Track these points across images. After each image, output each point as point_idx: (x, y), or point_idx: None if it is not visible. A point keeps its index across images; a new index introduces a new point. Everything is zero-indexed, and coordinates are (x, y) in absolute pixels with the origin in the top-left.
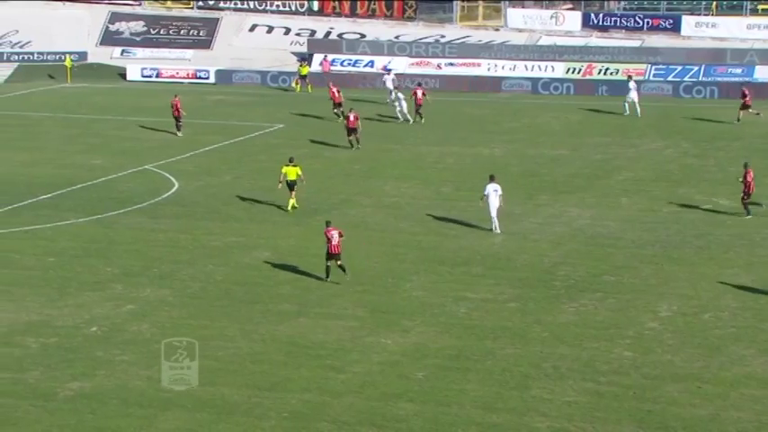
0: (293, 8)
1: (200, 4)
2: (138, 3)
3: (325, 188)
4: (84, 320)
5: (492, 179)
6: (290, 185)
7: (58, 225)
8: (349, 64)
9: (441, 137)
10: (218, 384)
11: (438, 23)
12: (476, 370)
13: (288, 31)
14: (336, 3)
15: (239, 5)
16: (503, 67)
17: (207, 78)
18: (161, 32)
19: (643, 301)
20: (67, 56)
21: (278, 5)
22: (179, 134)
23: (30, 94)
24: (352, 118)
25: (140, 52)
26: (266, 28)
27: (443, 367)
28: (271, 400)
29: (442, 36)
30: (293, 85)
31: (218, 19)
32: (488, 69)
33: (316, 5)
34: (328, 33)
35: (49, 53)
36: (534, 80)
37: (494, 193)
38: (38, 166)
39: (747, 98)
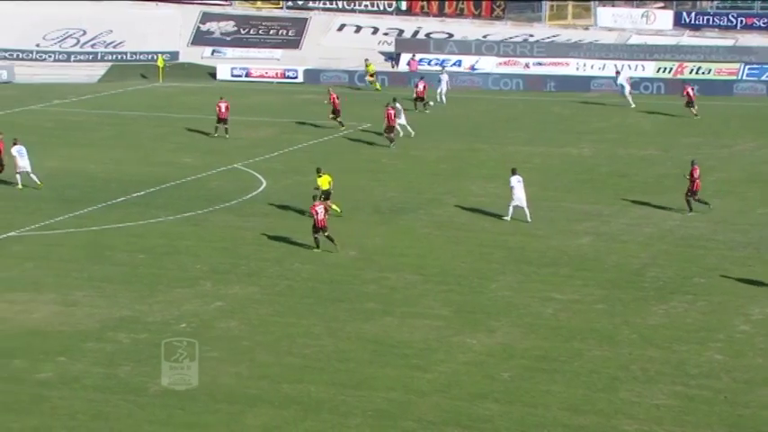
0: (381, 8)
1: (290, 4)
2: (228, 3)
3: (411, 188)
4: (174, 317)
5: (514, 172)
6: (326, 195)
7: (148, 222)
8: (436, 63)
9: (528, 137)
10: (305, 382)
11: (526, 22)
12: (562, 371)
13: (376, 30)
14: (425, 2)
15: (328, 5)
16: (592, 67)
17: (295, 78)
18: (251, 32)
19: (734, 304)
20: (160, 56)
21: (366, 5)
22: (226, 136)
23: (122, 94)
24: (392, 114)
25: (230, 52)
26: (354, 27)
27: (529, 368)
28: (356, 398)
29: (531, 35)
30: (370, 83)
31: (306, 19)
32: (577, 69)
33: (404, 5)
34: (416, 33)
35: (141, 53)
36: None
37: (518, 184)
38: (130, 165)
39: (690, 96)
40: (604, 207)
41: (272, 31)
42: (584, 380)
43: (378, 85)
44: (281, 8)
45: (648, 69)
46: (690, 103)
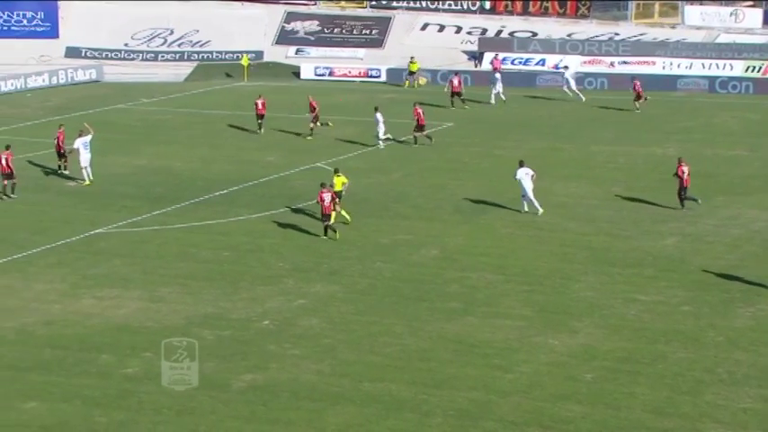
0: (465, 7)
1: (374, 3)
2: (313, 2)
3: (494, 187)
4: (257, 314)
5: (522, 164)
6: (337, 196)
7: (232, 220)
8: (520, 63)
9: (612, 136)
10: (386, 380)
11: (612, 21)
12: (646, 374)
13: (459, 29)
14: (509, 2)
15: (412, 5)
16: (678, 66)
17: (378, 77)
18: (334, 32)
19: None
20: (244, 55)
21: (450, 4)
22: (260, 131)
23: (208, 93)
24: (421, 112)
25: (314, 51)
26: (437, 27)
27: (612, 369)
28: (437, 397)
29: (616, 34)
30: (413, 82)
31: (390, 18)
32: (663, 68)
33: (488, 4)
34: (499, 32)
35: (227, 52)
36: (711, 79)
37: (526, 176)
38: (215, 163)
39: (638, 89)
40: (690, 207)
41: (355, 31)
42: (668, 382)
43: (421, 81)
44: (365, 8)
45: (737, 68)
46: (638, 97)
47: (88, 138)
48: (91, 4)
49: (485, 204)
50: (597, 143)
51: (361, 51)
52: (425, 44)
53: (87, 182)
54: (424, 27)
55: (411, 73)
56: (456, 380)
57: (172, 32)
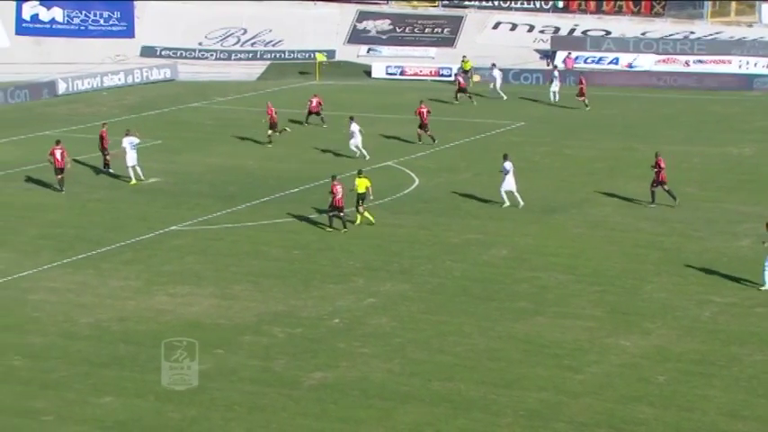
0: (538, 5)
1: (445, 2)
2: (385, 2)
3: (565, 187)
4: (327, 312)
5: (506, 158)
6: (360, 198)
7: (303, 218)
8: (593, 61)
9: (686, 136)
10: (456, 380)
11: (687, 19)
12: (720, 376)
13: (531, 28)
14: (582, 0)
15: (484, 3)
16: (755, 65)
17: (449, 76)
18: (406, 30)
19: None
20: (318, 53)
21: (522, 3)
22: (278, 134)
23: (280, 92)
24: (425, 112)
25: (385, 50)
26: (510, 25)
27: (686, 372)
28: (507, 397)
29: (691, 32)
30: (467, 80)
31: (462, 17)
32: (740, 67)
33: (561, 3)
34: (572, 30)
35: (299, 51)
36: None
37: (511, 170)
38: (287, 161)
39: (582, 86)
40: (766, 208)
41: (427, 30)
42: (743, 385)
43: (475, 78)
44: (437, 6)
45: None
46: (581, 94)
47: (135, 139)
48: (166, 3)
49: (555, 204)
50: (671, 143)
51: (432, 50)
52: (497, 43)
53: (134, 181)
54: (497, 26)
55: (465, 71)
56: (526, 380)
57: (245, 32)
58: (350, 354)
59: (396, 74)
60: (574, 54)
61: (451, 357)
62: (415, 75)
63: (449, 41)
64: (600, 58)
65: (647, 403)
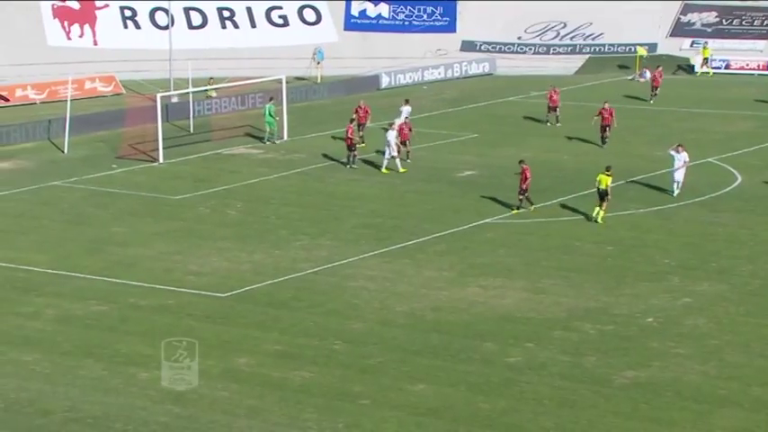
0: None
1: None
2: None
3: None
4: (640, 310)
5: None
6: (601, 195)
7: (618, 214)
8: None
9: None
10: None
11: None
12: None
13: None
14: None
15: None
16: None
17: None
18: (733, 23)
19: None
20: (640, 47)
21: None
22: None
23: (598, 85)
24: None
25: (710, 43)
26: None
27: None
28: None
29: None
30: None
31: None
32: None
33: None
34: None
35: (619, 45)
36: None
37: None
38: (602, 156)
39: (555, 99)
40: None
41: (756, 22)
42: None
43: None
44: None
45: None
46: (554, 109)
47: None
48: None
49: None
50: None
51: (760, 43)
52: None
53: (402, 169)
54: None
55: (705, 59)
56: None
57: (565, 25)
58: (663, 354)
59: (720, 68)
60: None
61: None
62: (741, 69)
63: None
64: None
65: None
